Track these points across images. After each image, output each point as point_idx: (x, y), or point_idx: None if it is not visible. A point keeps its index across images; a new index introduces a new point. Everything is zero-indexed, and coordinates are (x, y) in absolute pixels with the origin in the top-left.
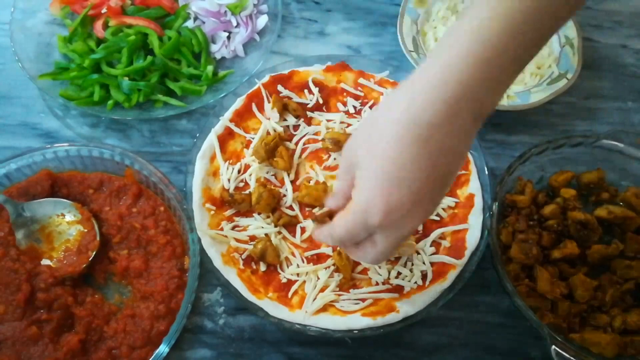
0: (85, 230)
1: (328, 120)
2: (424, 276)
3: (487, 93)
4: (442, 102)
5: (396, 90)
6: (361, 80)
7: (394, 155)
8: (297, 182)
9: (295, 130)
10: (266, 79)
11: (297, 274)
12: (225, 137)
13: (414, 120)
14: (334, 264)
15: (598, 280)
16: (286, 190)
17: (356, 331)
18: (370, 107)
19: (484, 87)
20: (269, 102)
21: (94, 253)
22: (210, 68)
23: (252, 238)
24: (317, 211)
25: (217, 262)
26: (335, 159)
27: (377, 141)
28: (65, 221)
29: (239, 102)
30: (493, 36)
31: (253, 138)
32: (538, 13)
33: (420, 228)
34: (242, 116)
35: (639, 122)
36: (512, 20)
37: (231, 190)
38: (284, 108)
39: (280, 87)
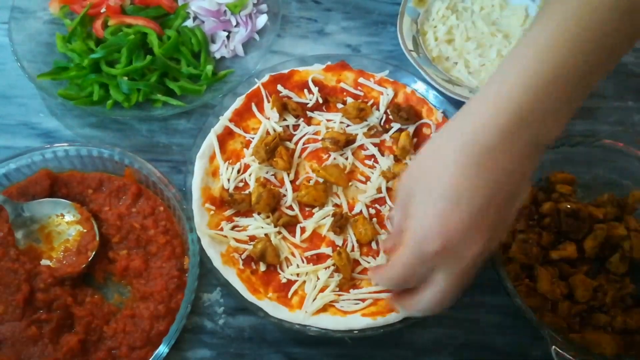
0: (85, 230)
1: (328, 120)
2: None
3: (546, 120)
4: (497, 129)
5: (451, 120)
6: (361, 80)
7: (450, 179)
8: (297, 182)
9: (295, 130)
10: (266, 78)
11: (297, 274)
12: (225, 137)
13: (470, 144)
14: (334, 264)
15: (597, 279)
16: (286, 190)
17: (356, 331)
18: (371, 106)
19: (542, 113)
20: (268, 101)
21: (94, 253)
22: (209, 67)
23: (252, 238)
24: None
25: (217, 262)
26: (335, 158)
27: (432, 168)
28: (65, 221)
29: (238, 102)
30: (550, 62)
31: (253, 138)
32: (599, 36)
33: None
34: (242, 116)
35: (639, 121)
36: (573, 44)
37: (231, 190)
38: (283, 108)
39: (280, 87)
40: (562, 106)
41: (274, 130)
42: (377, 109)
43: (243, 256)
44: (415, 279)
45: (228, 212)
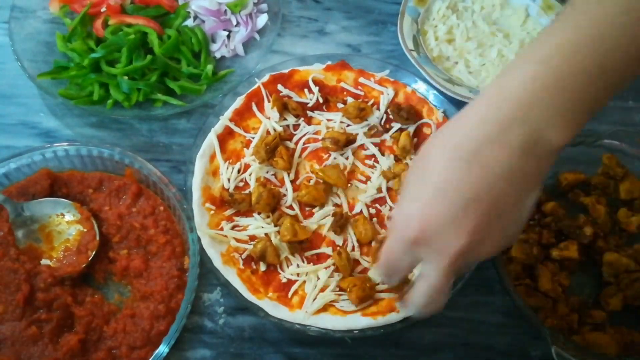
0: (85, 229)
1: (328, 120)
2: None
3: (551, 118)
4: (494, 124)
5: (452, 118)
6: (361, 80)
7: (441, 170)
8: (297, 182)
9: (295, 130)
10: (266, 78)
11: (297, 274)
12: (225, 137)
13: (463, 137)
14: (334, 264)
15: None
16: (286, 189)
17: (356, 331)
18: (372, 106)
19: (543, 111)
20: (268, 101)
21: (94, 253)
22: (210, 67)
23: (252, 238)
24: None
25: (217, 262)
26: (335, 158)
27: (428, 162)
28: (65, 221)
29: (238, 102)
30: (555, 61)
31: (253, 137)
32: (616, 37)
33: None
34: (242, 115)
35: (639, 120)
36: (587, 45)
37: (231, 190)
38: (284, 107)
39: (280, 87)
40: (571, 106)
41: (274, 130)
42: (378, 108)
43: (243, 256)
44: (403, 268)
45: (228, 212)
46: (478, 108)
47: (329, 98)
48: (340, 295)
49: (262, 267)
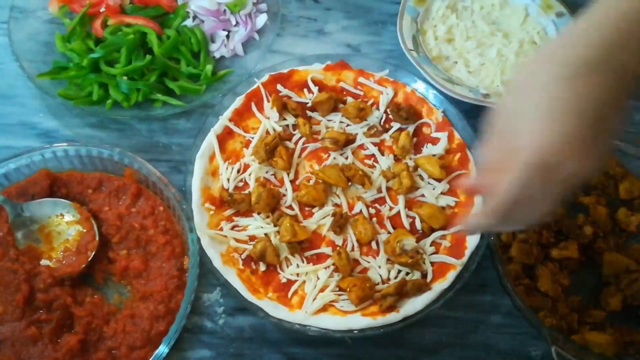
0: (84, 230)
1: (328, 120)
2: (424, 276)
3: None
4: (599, 47)
5: (548, 43)
6: (361, 79)
7: (550, 91)
8: (297, 182)
9: (294, 130)
10: (265, 78)
11: (297, 274)
12: (225, 137)
13: (568, 59)
14: (333, 264)
15: None
16: (286, 190)
17: (356, 331)
18: (371, 106)
19: (636, 42)
20: (268, 101)
21: (93, 253)
22: (209, 67)
23: (252, 238)
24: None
25: (217, 262)
26: (335, 158)
27: (534, 85)
28: (64, 221)
29: (238, 102)
30: None
31: (252, 137)
32: None
33: (419, 227)
34: (242, 115)
35: (639, 120)
36: None
37: (230, 190)
38: (283, 107)
39: (279, 87)
40: None
41: (274, 130)
42: (377, 108)
43: (243, 256)
44: (529, 198)
45: (228, 212)
46: (583, 30)
47: None
48: (340, 295)
49: (262, 267)
